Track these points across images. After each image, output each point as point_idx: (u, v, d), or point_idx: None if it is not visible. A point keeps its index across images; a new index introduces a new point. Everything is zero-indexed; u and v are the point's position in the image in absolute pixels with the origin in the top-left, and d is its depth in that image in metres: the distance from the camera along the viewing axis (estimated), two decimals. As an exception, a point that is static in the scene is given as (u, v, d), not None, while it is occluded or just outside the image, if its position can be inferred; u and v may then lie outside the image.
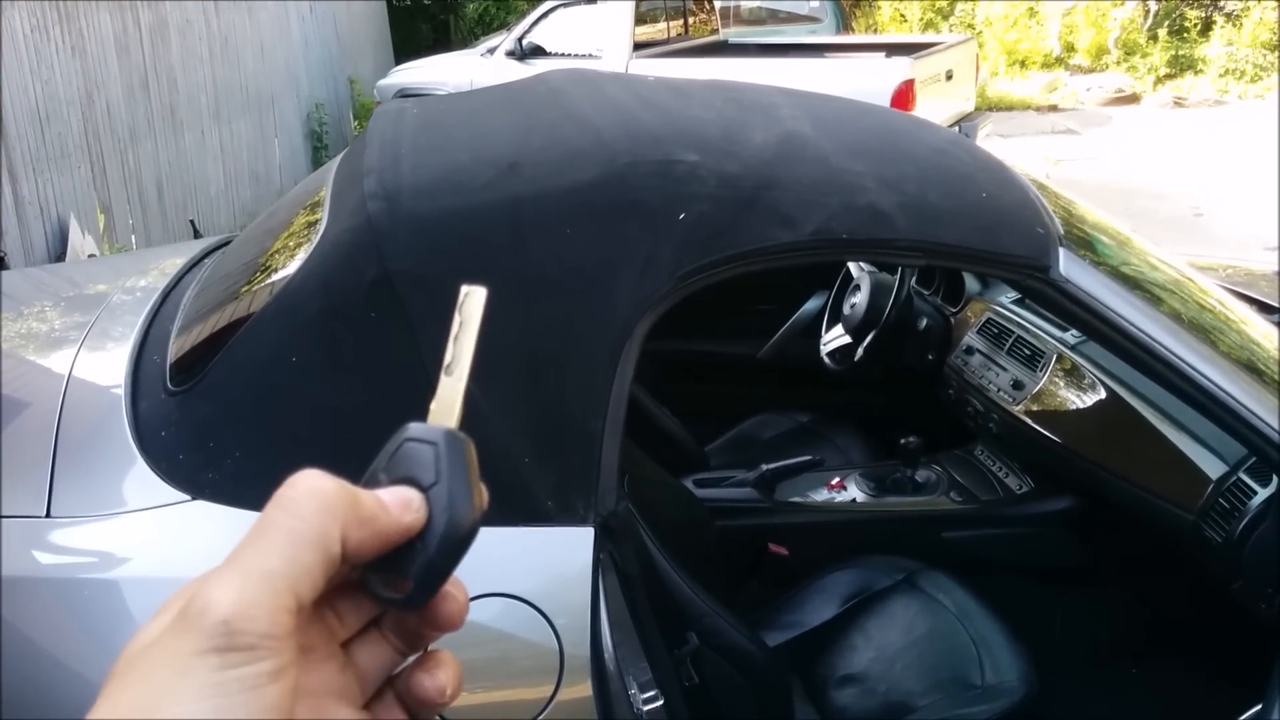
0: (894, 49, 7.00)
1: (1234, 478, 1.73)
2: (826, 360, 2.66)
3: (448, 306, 0.42)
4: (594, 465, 1.23)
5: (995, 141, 8.05)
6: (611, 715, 1.16)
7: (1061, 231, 1.46)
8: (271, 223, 1.78)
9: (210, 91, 6.62)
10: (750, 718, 1.51)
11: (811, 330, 2.81)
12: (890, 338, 2.49)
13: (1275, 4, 10.90)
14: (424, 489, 0.40)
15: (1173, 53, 11.40)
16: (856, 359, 2.52)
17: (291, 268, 1.37)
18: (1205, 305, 1.66)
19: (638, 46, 7.39)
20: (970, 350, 2.48)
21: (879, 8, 13.07)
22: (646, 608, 1.32)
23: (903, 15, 12.87)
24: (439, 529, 0.39)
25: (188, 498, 1.24)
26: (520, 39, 7.68)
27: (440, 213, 1.31)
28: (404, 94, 7.50)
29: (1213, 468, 1.77)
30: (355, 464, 0.42)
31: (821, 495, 2.32)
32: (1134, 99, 10.91)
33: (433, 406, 0.42)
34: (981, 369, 2.41)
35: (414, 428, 0.41)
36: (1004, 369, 2.34)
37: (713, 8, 9.23)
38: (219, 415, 1.31)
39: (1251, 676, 1.47)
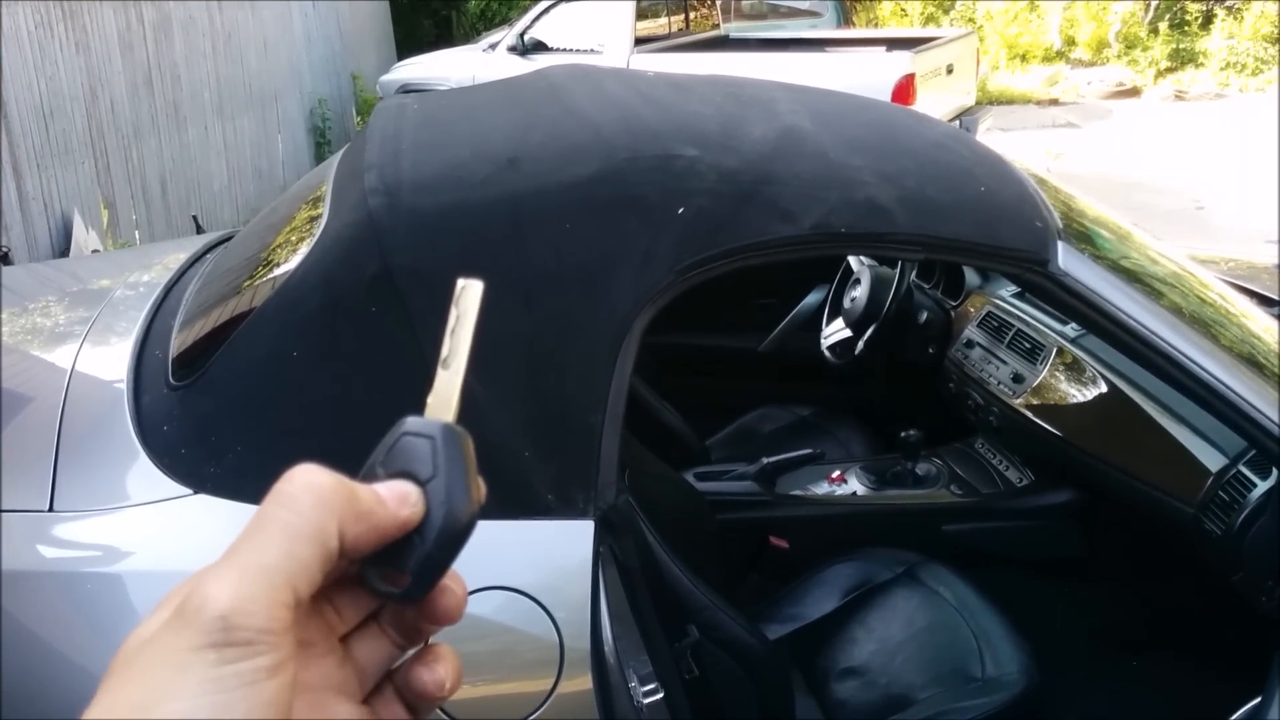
0: (895, 43, 6.99)
1: (1234, 470, 1.73)
2: (827, 354, 2.66)
3: (448, 301, 0.42)
4: (594, 458, 1.24)
5: (996, 135, 8.03)
6: (612, 708, 1.16)
7: (1060, 225, 1.46)
8: (273, 218, 1.78)
9: (213, 88, 6.62)
10: (750, 711, 1.51)
11: (812, 324, 2.81)
12: (890, 331, 2.49)
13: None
14: (421, 483, 0.40)
15: (1174, 46, 11.36)
16: (857, 353, 2.52)
17: (293, 263, 1.38)
18: (1205, 299, 1.66)
19: (639, 41, 7.40)
20: (970, 344, 2.48)
21: (880, 2, 13.03)
22: (647, 601, 1.32)
23: (903, 9, 12.83)
24: (436, 523, 0.39)
25: (190, 492, 1.25)
26: (522, 34, 7.67)
27: (440, 208, 1.31)
28: (406, 89, 7.48)
29: (1212, 460, 1.77)
30: (356, 458, 0.42)
31: (822, 488, 2.33)
32: (1135, 92, 10.88)
33: (430, 400, 0.42)
34: (982, 362, 2.41)
35: (411, 421, 0.41)
36: (1004, 362, 2.34)
37: (714, 2, 9.22)
38: (220, 409, 1.32)
39: (1251, 668, 1.47)
